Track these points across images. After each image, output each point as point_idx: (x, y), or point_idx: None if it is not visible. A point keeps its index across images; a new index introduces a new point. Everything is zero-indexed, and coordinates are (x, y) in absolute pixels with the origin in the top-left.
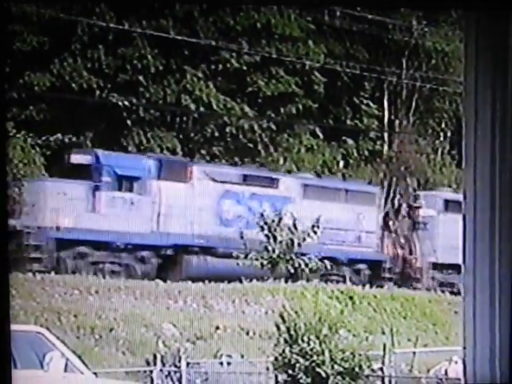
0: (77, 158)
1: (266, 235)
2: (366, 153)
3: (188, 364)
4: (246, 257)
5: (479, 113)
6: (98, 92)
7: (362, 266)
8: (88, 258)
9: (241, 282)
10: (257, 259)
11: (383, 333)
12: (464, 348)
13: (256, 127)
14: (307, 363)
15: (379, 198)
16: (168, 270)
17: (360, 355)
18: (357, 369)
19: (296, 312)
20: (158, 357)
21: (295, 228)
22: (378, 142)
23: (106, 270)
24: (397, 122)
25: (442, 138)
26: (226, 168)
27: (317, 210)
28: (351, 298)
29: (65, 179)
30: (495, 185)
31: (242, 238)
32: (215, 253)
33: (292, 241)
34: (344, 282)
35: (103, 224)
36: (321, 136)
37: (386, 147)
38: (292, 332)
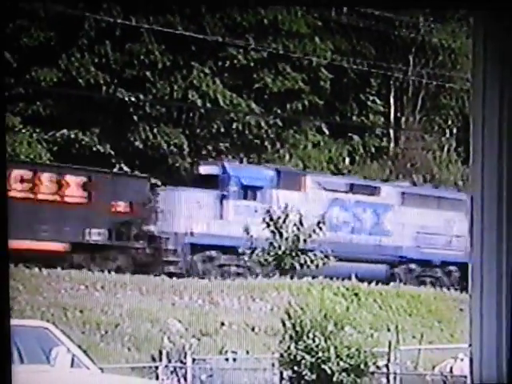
0: (205, 169)
1: (272, 231)
2: (372, 149)
3: (193, 360)
4: (252, 253)
5: (487, 111)
6: (104, 88)
7: (452, 268)
8: (215, 261)
9: (246, 278)
10: (262, 256)
11: (388, 330)
12: (470, 345)
13: (262, 123)
14: (312, 360)
15: (468, 205)
16: (284, 271)
17: (365, 352)
18: (362, 365)
19: (301, 308)
20: (164, 353)
21: (301, 224)
22: (384, 139)
23: (231, 273)
24: (403, 118)
25: (448, 135)
26: (335, 178)
27: (413, 216)
28: (356, 294)
29: (196, 188)
30: (502, 182)
31: (247, 233)
32: (326, 255)
33: (298, 237)
34: (439, 283)
35: (230, 230)
36: (327, 132)
37: (392, 144)
38: (297, 328)
